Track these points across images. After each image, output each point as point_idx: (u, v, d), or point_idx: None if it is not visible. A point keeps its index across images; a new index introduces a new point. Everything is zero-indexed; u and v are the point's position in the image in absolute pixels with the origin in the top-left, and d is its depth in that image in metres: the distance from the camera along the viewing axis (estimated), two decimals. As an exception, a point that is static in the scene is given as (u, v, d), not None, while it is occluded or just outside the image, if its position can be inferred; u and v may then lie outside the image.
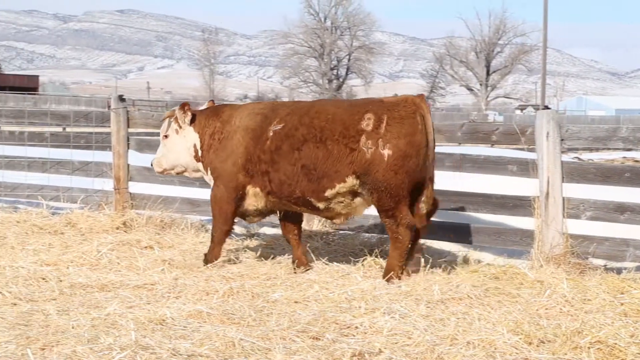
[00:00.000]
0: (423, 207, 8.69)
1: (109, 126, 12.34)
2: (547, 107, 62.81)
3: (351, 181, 8.53)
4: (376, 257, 9.23)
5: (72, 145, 13.02)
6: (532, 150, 9.58)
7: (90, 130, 13.07)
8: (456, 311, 7.19)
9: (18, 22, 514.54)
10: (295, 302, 7.60)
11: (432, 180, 8.68)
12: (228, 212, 9.14)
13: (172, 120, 9.49)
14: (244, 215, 9.34)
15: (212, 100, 10.14)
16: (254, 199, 9.12)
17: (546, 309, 7.33)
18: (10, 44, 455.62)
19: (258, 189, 9.01)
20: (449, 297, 7.65)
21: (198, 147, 9.34)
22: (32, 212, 11.89)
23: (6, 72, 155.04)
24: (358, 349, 6.17)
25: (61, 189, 13.14)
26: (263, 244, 10.64)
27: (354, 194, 8.67)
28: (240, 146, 9.02)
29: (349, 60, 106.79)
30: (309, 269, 9.02)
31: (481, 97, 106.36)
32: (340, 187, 8.59)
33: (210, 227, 12.29)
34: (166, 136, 9.52)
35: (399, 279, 8.41)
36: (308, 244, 9.95)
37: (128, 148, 12.28)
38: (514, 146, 11.18)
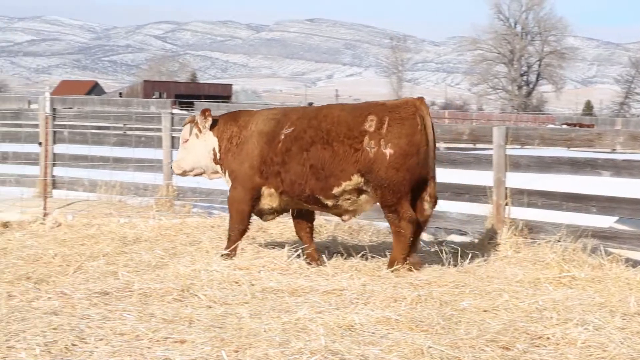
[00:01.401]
0: (426, 204, 9.33)
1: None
2: None
3: (356, 179, 9.12)
4: (563, 264, 9.03)
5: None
6: None
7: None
8: (654, 324, 6.93)
9: (213, 32, 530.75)
10: (485, 310, 7.50)
11: (433, 178, 9.30)
12: (244, 212, 9.63)
13: (193, 125, 9.91)
14: (260, 214, 9.83)
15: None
16: (269, 199, 9.62)
17: None
18: (205, 54, 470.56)
19: (272, 190, 9.51)
20: (646, 309, 7.38)
21: (217, 150, 9.82)
22: (226, 218, 12.19)
23: (201, 81, 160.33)
24: (550, 361, 6.03)
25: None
26: (451, 251, 10.56)
27: (359, 191, 9.24)
28: (256, 149, 9.51)
29: (539, 66, 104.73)
30: (320, 265, 9.34)
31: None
32: (346, 185, 9.17)
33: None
34: (186, 140, 9.96)
35: (399, 269, 8.99)
36: (500, 252, 9.85)
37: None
38: None
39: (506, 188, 11.08)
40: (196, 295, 7.92)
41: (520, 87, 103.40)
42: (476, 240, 10.96)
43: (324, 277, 8.77)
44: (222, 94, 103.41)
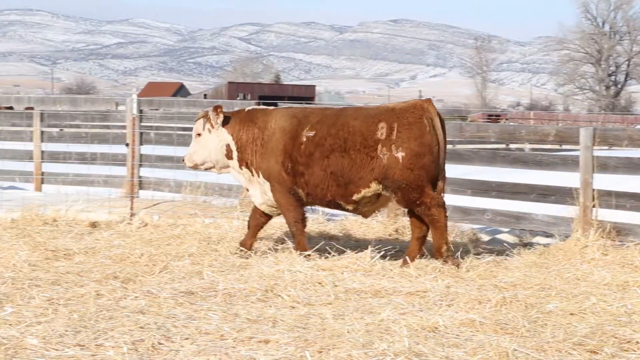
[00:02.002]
0: None
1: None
2: None
3: (375, 186, 9.49)
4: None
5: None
6: None
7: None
8: None
9: (297, 33, 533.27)
10: (571, 314, 7.40)
11: (443, 178, 9.58)
12: (292, 205, 9.86)
13: (205, 120, 10.11)
14: None
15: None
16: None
17: None
18: (289, 55, 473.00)
19: (300, 190, 9.79)
20: None
21: (232, 147, 10.05)
22: (308, 219, 12.22)
23: (285, 83, 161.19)
24: (638, 366, 5.92)
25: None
26: (535, 253, 10.43)
27: (378, 195, 9.60)
28: (280, 144, 9.79)
29: (628, 65, 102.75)
30: (247, 255, 9.81)
31: None
32: (365, 192, 9.53)
33: (481, 235, 12.24)
34: (199, 135, 10.15)
35: (448, 255, 9.34)
36: (587, 255, 9.73)
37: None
38: None
39: (593, 190, 10.92)
40: (280, 296, 7.96)
41: (608, 88, 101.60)
42: (562, 243, 10.80)
43: (408, 278, 8.75)
44: (305, 95, 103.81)
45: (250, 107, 10.40)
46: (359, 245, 10.47)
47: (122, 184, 15.44)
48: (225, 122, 10.08)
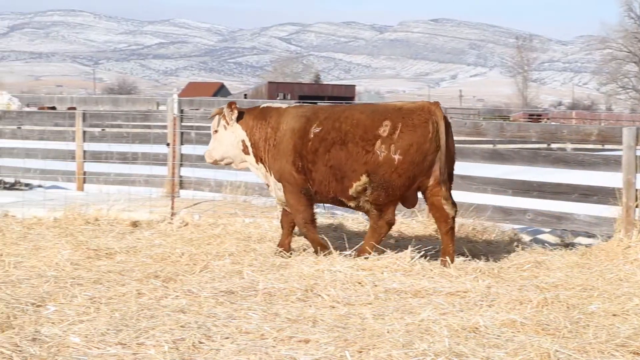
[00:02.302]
0: (447, 207, 9.41)
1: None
2: None
3: (364, 179, 9.38)
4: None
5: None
6: None
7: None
8: None
9: (337, 33, 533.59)
10: (614, 315, 7.33)
11: (446, 182, 9.34)
12: (302, 204, 9.86)
13: (220, 117, 10.25)
14: None
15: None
16: None
17: None
18: (329, 55, 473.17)
19: (310, 188, 9.77)
20: None
21: (247, 143, 10.15)
22: (348, 218, 12.23)
23: (325, 82, 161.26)
24: (682, 368, 5.85)
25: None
26: (577, 253, 10.35)
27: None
28: (290, 144, 9.80)
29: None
30: (286, 256, 9.78)
31: None
32: (357, 185, 9.43)
33: (522, 235, 12.16)
34: (216, 131, 10.34)
35: (362, 257, 9.27)
36: (629, 255, 9.63)
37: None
38: None
39: (636, 190, 10.81)
40: (320, 296, 7.96)
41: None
42: (605, 243, 10.71)
43: (448, 278, 8.71)
44: (345, 95, 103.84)
45: (264, 105, 10.47)
46: (398, 245, 10.45)
47: (163, 184, 15.52)
48: (239, 118, 10.19)
